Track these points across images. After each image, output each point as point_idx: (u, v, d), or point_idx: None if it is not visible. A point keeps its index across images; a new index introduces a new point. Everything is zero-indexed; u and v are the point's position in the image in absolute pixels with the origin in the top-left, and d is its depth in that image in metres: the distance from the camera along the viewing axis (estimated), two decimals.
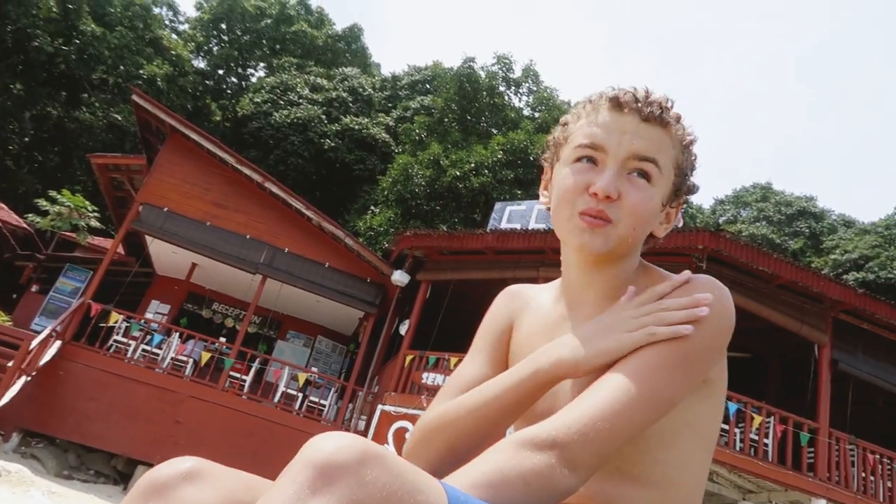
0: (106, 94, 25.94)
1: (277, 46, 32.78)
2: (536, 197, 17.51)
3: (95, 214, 16.20)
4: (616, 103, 0.94)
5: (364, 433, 10.88)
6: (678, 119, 0.96)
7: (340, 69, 30.34)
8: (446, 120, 23.50)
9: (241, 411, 11.17)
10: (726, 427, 8.81)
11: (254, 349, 13.06)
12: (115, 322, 11.50)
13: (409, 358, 10.89)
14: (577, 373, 0.86)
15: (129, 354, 11.45)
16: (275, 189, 12.54)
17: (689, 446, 0.90)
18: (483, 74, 23.65)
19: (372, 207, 22.74)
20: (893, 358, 10.35)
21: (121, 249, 14.07)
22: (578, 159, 0.95)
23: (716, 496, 9.90)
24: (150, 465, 10.13)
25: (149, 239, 12.72)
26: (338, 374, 15.07)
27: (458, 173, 20.21)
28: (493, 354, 1.08)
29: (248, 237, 12.52)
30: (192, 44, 31.99)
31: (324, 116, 26.47)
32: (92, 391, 10.58)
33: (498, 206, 15.69)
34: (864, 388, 10.48)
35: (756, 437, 9.11)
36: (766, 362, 12.41)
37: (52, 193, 15.67)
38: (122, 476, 10.58)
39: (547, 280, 1.13)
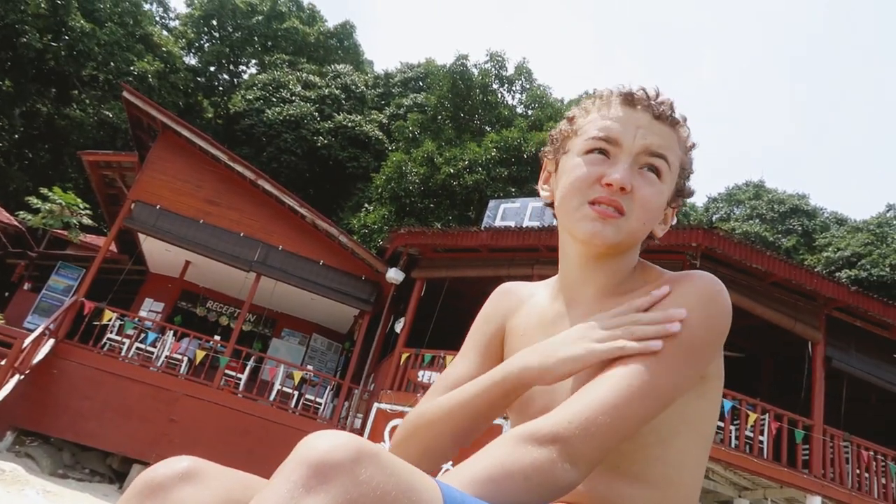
0: (96, 90, 25.76)
1: (269, 43, 32.66)
2: (531, 194, 17.58)
3: (87, 212, 16.13)
4: (629, 99, 0.96)
5: (360, 431, 10.88)
6: (684, 120, 0.99)
7: (333, 66, 30.25)
8: (440, 117, 23.48)
9: (237, 410, 11.14)
10: (721, 424, 8.85)
11: (249, 347, 13.02)
12: (109, 320, 11.43)
13: (404, 356, 10.89)
14: (543, 380, 0.86)
15: (123, 353, 11.40)
16: (268, 186, 12.51)
17: (687, 444, 0.90)
18: (476, 72, 23.63)
19: (366, 205, 22.70)
20: (886, 355, 10.42)
21: (113, 247, 14.00)
22: (590, 151, 0.96)
23: (711, 493, 9.95)
24: (146, 464, 10.09)
25: (141, 236, 12.66)
26: (333, 372, 15.06)
27: (451, 171, 20.21)
28: (484, 353, 1.09)
29: (241, 235, 12.48)
30: (183, 40, 31.84)
31: (316, 114, 26.40)
32: (86, 389, 10.52)
33: (492, 203, 15.71)
34: (858, 384, 10.55)
35: (751, 435, 9.16)
36: (760, 360, 12.48)
37: (44, 191, 15.59)
38: (117, 475, 10.54)
39: (542, 277, 1.13)
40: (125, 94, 12.44)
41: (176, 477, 0.78)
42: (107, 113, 25.61)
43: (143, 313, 14.14)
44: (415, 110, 25.59)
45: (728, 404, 8.83)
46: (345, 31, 34.25)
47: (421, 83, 30.01)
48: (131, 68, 24.92)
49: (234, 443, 10.69)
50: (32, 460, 9.68)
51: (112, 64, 24.68)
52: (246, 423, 11.03)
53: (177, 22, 33.43)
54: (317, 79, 28.64)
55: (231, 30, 32.51)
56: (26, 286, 16.37)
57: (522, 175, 20.45)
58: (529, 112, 24.71)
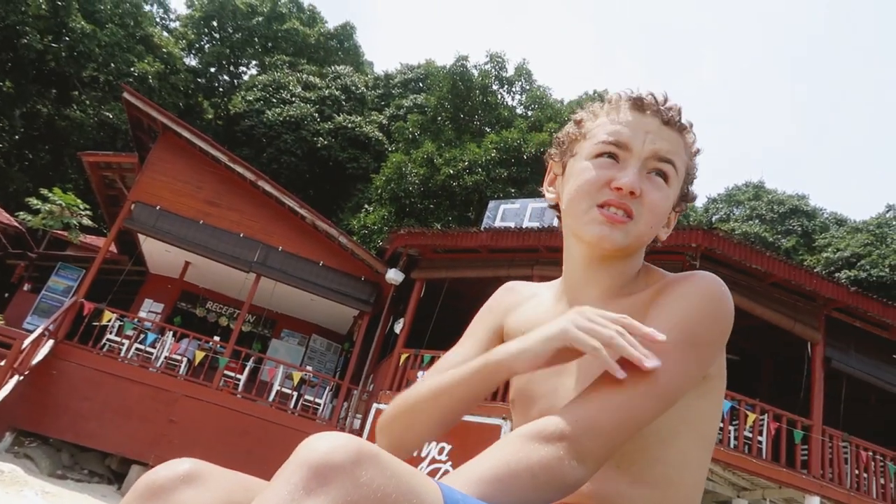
0: (97, 91, 25.78)
1: (269, 44, 32.66)
2: (530, 195, 17.58)
3: (87, 213, 16.14)
4: (638, 104, 0.97)
5: (359, 431, 10.88)
6: (691, 126, 1.00)
7: (333, 67, 30.26)
8: (439, 118, 23.49)
9: (236, 410, 11.14)
10: (720, 425, 8.83)
11: (248, 348, 13.02)
12: (109, 321, 11.43)
13: (403, 356, 10.87)
14: (520, 361, 0.83)
15: (122, 353, 11.40)
16: (268, 187, 12.51)
17: (688, 445, 0.90)
18: (476, 73, 23.64)
19: (366, 206, 22.70)
20: (885, 355, 10.41)
21: (113, 248, 14.00)
22: (600, 154, 0.97)
23: (710, 493, 9.95)
24: (145, 465, 10.09)
25: (141, 237, 12.66)
26: (332, 373, 15.05)
27: (451, 172, 20.21)
28: (481, 342, 1.10)
29: (241, 235, 12.49)
30: (184, 41, 31.85)
31: (316, 114, 26.41)
32: (85, 390, 10.52)
33: (492, 204, 15.71)
34: (857, 385, 10.54)
35: (750, 435, 9.15)
36: (759, 360, 12.47)
37: (44, 192, 15.60)
38: (116, 476, 10.54)
39: (541, 278, 1.15)
40: (125, 95, 12.45)
41: (177, 479, 0.78)
42: (107, 114, 25.61)
43: (142, 314, 14.14)
44: (415, 111, 25.59)
45: (727, 404, 8.83)
46: (345, 33, 34.26)
47: (421, 84, 30.02)
48: (132, 69, 24.94)
49: (233, 443, 10.69)
50: (31, 461, 9.68)
51: (112, 65, 24.70)
52: (245, 423, 11.02)
53: (177, 23, 33.45)
54: (317, 80, 28.64)
55: (231, 31, 32.52)
56: (26, 287, 16.38)
57: (522, 176, 20.45)
58: (529, 113, 24.72)
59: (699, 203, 33.78)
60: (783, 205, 29.53)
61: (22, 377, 9.96)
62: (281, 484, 0.59)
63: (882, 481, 9.58)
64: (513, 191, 19.82)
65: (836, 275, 21.73)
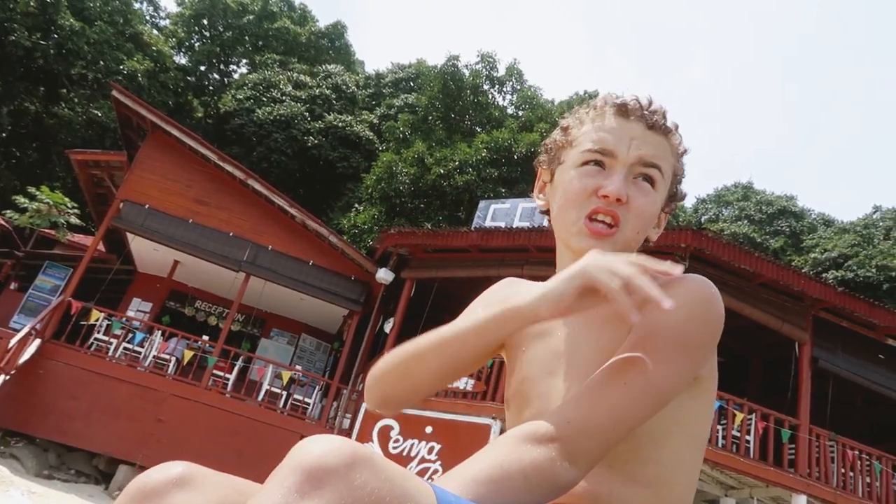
0: (85, 89, 25.59)
1: (260, 43, 32.55)
2: (521, 195, 17.61)
3: (75, 211, 16.01)
4: (623, 110, 0.98)
5: (349, 431, 10.87)
6: (676, 128, 1.01)
7: (324, 66, 30.19)
8: (430, 118, 23.48)
9: (225, 410, 11.09)
10: None
11: (237, 347, 12.98)
12: (96, 320, 11.37)
13: None
14: (535, 308, 0.81)
15: (110, 353, 11.33)
16: (257, 186, 12.47)
17: (681, 445, 0.90)
18: (467, 73, 23.66)
19: (356, 205, 22.67)
20: (872, 355, 10.50)
21: (101, 247, 13.92)
22: (586, 163, 0.98)
23: (698, 492, 10.00)
24: (132, 465, 10.04)
25: (130, 236, 12.60)
26: (322, 373, 15.03)
27: (442, 171, 20.21)
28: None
29: (230, 234, 12.44)
30: (174, 39, 31.68)
31: (307, 114, 26.35)
32: (73, 390, 10.45)
33: (482, 204, 15.73)
34: (844, 385, 10.62)
35: (738, 434, 9.21)
36: (747, 360, 12.54)
37: (31, 190, 15.46)
38: (103, 475, 10.47)
39: (532, 278, 1.15)
40: (114, 92, 12.38)
41: (169, 483, 0.78)
42: (96, 112, 25.44)
43: (130, 313, 14.07)
44: (405, 111, 25.58)
45: (716, 404, 8.86)
46: (336, 32, 34.19)
47: (412, 84, 30.00)
48: (121, 67, 24.78)
49: (222, 443, 10.65)
50: (17, 461, 9.61)
51: (101, 63, 24.53)
52: (234, 423, 10.98)
53: (167, 21, 33.26)
54: (307, 79, 28.57)
55: (222, 29, 32.39)
56: (13, 286, 16.24)
57: (512, 176, 20.49)
58: (520, 113, 24.76)
59: (689, 203, 33.97)
60: (772, 205, 29.76)
61: (8, 377, 9.87)
62: (275, 487, 0.58)
63: (868, 480, 9.65)
64: (503, 191, 19.85)
65: (824, 275, 21.89)
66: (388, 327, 11.84)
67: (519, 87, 25.92)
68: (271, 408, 11.66)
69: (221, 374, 11.98)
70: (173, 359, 11.77)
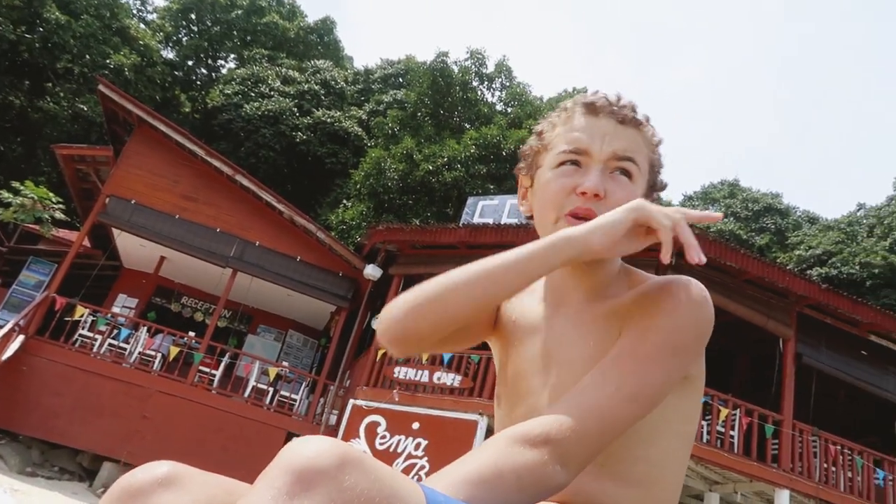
0: (71, 83, 25.34)
1: (248, 38, 32.36)
2: (509, 192, 17.64)
3: (60, 206, 15.86)
4: (592, 108, 0.99)
5: (335, 427, 10.86)
6: (648, 120, 1.02)
7: (312, 62, 30.06)
8: (419, 114, 23.44)
9: (211, 406, 11.05)
10: None
11: (224, 343, 12.93)
12: (81, 316, 11.29)
13: (380, 352, 10.86)
14: (593, 237, 0.83)
15: (95, 349, 11.25)
16: (245, 182, 12.42)
17: (670, 443, 0.91)
18: (456, 69, 23.62)
19: (344, 201, 22.61)
20: (855, 351, 10.61)
21: (87, 242, 13.81)
22: (562, 163, 0.99)
23: (683, 488, 10.05)
24: (117, 462, 9.99)
25: (116, 231, 12.51)
26: (309, 369, 15.00)
27: (430, 167, 20.19)
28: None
29: (217, 230, 12.38)
30: (161, 34, 31.41)
31: (295, 109, 26.23)
32: (56, 386, 10.38)
33: (470, 200, 15.73)
34: (827, 380, 10.73)
35: (722, 430, 9.29)
36: (733, 356, 12.64)
37: (15, 184, 15.30)
38: (87, 473, 10.41)
39: None
40: (101, 87, 12.29)
41: (155, 482, 0.77)
42: (81, 106, 25.19)
43: (116, 309, 13.97)
44: (394, 107, 25.51)
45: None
46: (325, 27, 34.05)
47: (401, 80, 29.93)
48: (107, 61, 24.54)
49: (208, 440, 10.61)
50: (0, 459, 9.53)
51: (88, 57, 24.29)
52: (220, 419, 10.95)
53: (154, 15, 32.97)
54: (296, 74, 28.44)
55: (210, 24, 32.16)
56: None
57: (501, 172, 20.49)
58: (509, 109, 24.76)
59: (675, 201, 34.15)
60: (757, 203, 29.96)
61: None
62: (264, 488, 0.58)
63: (850, 474, 9.76)
64: (492, 187, 19.85)
65: (808, 272, 22.08)
66: (375, 324, 11.83)
67: (508, 84, 25.93)
68: (258, 404, 11.63)
69: (208, 370, 11.93)
70: (159, 355, 11.71)
